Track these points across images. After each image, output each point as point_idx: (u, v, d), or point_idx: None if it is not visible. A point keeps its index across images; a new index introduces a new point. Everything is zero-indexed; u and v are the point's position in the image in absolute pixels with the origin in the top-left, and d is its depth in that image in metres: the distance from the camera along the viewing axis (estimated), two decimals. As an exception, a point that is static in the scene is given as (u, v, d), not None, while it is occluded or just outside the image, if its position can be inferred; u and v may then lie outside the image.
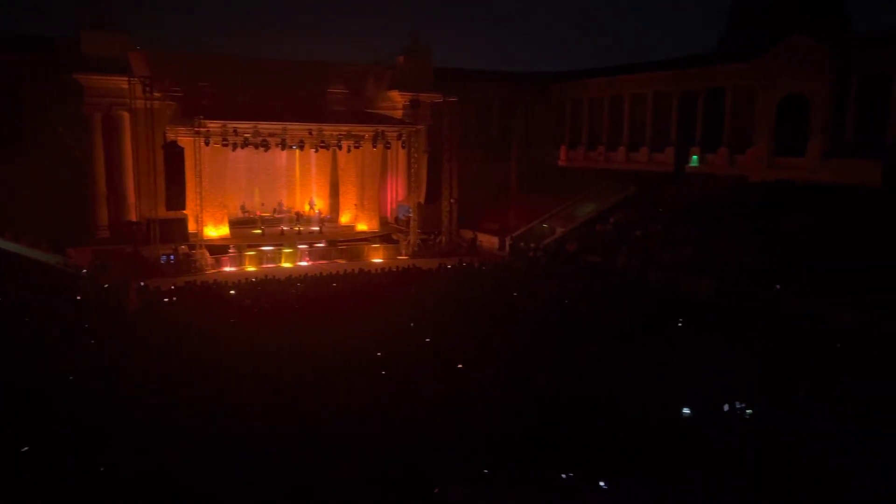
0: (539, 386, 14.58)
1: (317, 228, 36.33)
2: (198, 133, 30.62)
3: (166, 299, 23.44)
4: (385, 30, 78.95)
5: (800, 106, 31.23)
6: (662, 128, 38.63)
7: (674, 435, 12.42)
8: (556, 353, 16.92)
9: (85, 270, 27.10)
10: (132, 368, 15.14)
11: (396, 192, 39.35)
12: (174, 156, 30.14)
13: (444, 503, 10.04)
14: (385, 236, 36.78)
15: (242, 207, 36.80)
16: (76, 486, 10.26)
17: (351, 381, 14.50)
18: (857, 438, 12.09)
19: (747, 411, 13.90)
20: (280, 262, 32.07)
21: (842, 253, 23.69)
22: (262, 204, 37.45)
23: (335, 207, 38.91)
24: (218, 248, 31.93)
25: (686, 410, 13.71)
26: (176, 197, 30.25)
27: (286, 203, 38.25)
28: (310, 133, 32.77)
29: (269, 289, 25.27)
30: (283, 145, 32.50)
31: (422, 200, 36.03)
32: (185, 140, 31.31)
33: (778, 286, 24.39)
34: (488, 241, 37.95)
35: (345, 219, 38.18)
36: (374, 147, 34.84)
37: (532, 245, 35.22)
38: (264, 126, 31.69)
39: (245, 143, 31.56)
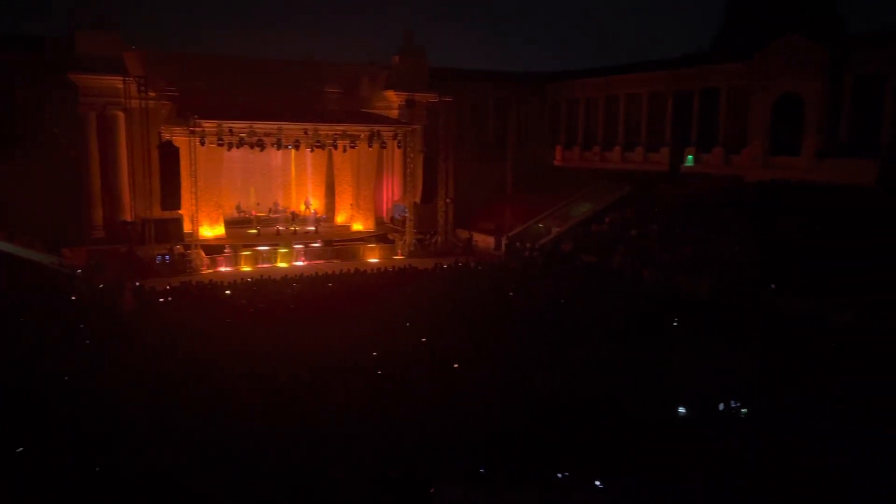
0: (536, 386, 14.58)
1: (312, 228, 36.32)
2: (193, 133, 30.54)
3: (161, 299, 23.38)
4: (382, 30, 79.05)
5: (795, 106, 31.29)
6: (658, 127, 38.67)
7: (673, 435, 12.44)
8: (552, 352, 16.93)
9: (80, 270, 27.01)
10: (128, 368, 15.09)
11: (392, 191, 39.33)
12: (169, 155, 30.06)
13: (441, 502, 10.02)
14: (381, 236, 36.76)
15: (238, 207, 36.75)
16: (74, 486, 10.22)
17: (348, 381, 14.49)
18: (857, 438, 12.09)
19: (742, 410, 13.94)
20: (276, 262, 32.02)
21: (838, 252, 23.77)
22: (258, 204, 37.42)
23: (331, 207, 38.89)
24: (213, 248, 31.85)
25: (682, 409, 13.74)
26: (171, 197, 30.17)
27: (282, 203, 38.21)
28: (305, 133, 32.71)
29: (265, 289, 25.22)
30: (279, 145, 32.42)
31: (418, 200, 36.03)
32: (180, 140, 31.24)
33: (773, 286, 24.46)
34: (484, 240, 37.98)
35: (340, 219, 38.16)
36: (370, 147, 34.81)
37: (528, 245, 35.24)
38: (260, 126, 31.61)
39: (240, 143, 31.46)
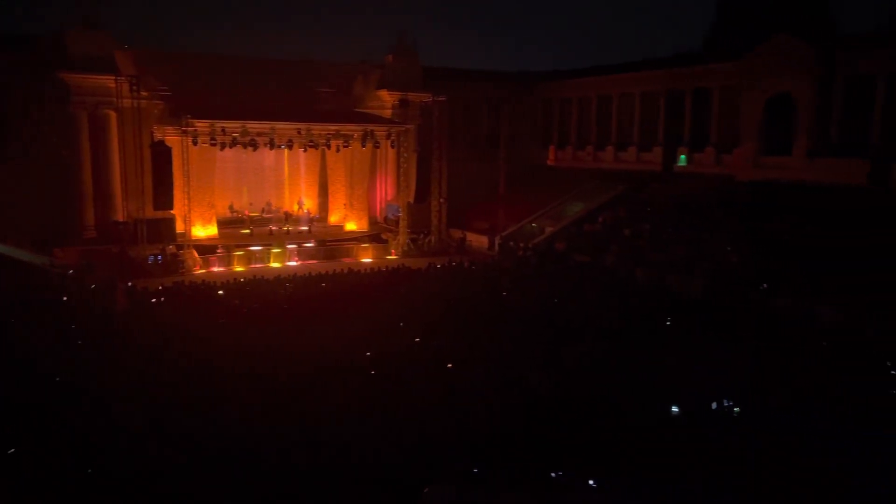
0: (531, 386, 14.59)
1: (306, 228, 36.24)
2: (185, 132, 30.43)
3: (154, 300, 23.29)
4: (376, 29, 79.06)
5: (787, 106, 31.43)
6: (650, 127, 38.76)
7: (670, 434, 12.45)
8: (546, 352, 16.94)
9: (72, 271, 26.90)
10: (121, 369, 15.03)
11: (385, 191, 39.31)
12: (161, 155, 29.96)
13: (434, 503, 10.02)
14: (374, 236, 36.74)
15: (231, 207, 36.64)
16: (73, 486, 10.19)
17: (341, 381, 14.46)
18: (857, 438, 12.11)
19: (735, 409, 13.98)
20: (269, 262, 31.95)
21: (830, 252, 23.86)
22: (251, 203, 37.30)
23: (324, 207, 38.82)
24: (206, 248, 31.76)
25: (675, 409, 13.77)
26: (163, 196, 30.07)
27: (275, 203, 38.11)
28: (298, 132, 32.65)
29: (258, 289, 25.16)
30: (272, 145, 32.34)
31: (411, 200, 36.01)
32: (172, 139, 31.12)
33: (765, 285, 24.57)
34: (477, 240, 38.00)
35: (334, 218, 38.10)
36: (363, 146, 34.77)
37: (521, 244, 35.28)
38: (252, 125, 31.54)
39: (233, 143, 31.39)
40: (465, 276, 28.44)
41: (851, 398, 13.72)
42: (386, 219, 38.66)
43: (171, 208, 31.02)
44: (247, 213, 36.63)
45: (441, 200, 37.02)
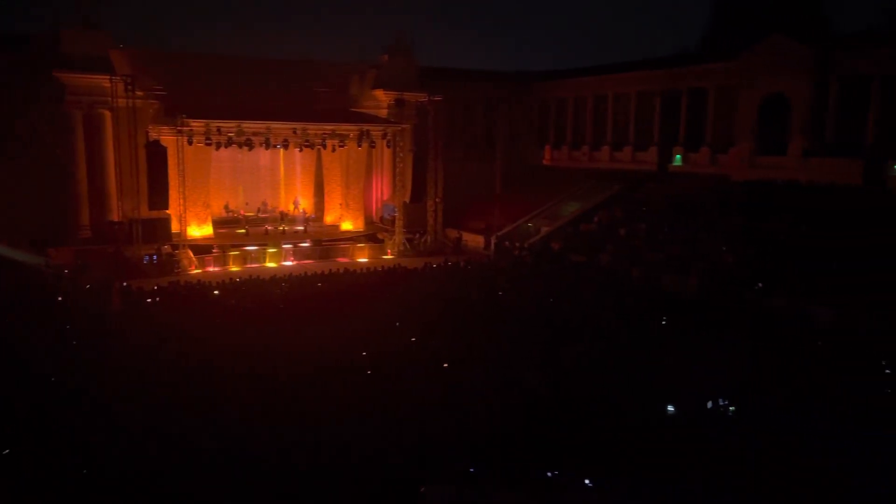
0: (530, 385, 14.60)
1: (301, 228, 36.18)
2: (181, 132, 30.35)
3: (149, 300, 23.22)
4: (372, 29, 79.00)
5: (781, 106, 31.54)
6: (646, 127, 38.85)
7: (670, 434, 12.47)
8: (544, 352, 16.96)
9: (67, 271, 26.79)
10: (116, 369, 14.99)
11: (381, 191, 39.29)
12: (157, 155, 29.85)
13: (431, 502, 10.03)
14: (370, 236, 36.69)
15: (226, 207, 36.55)
16: (73, 487, 10.17)
17: (341, 381, 14.45)
18: (855, 438, 12.15)
19: (730, 408, 14.03)
20: (264, 261, 31.89)
21: (824, 252, 23.97)
22: (247, 203, 37.22)
23: (320, 207, 38.74)
24: (201, 248, 31.67)
25: (670, 408, 13.81)
26: (159, 196, 29.96)
27: (270, 202, 38.02)
28: (294, 132, 32.58)
29: (254, 289, 25.11)
30: (268, 144, 32.26)
31: (407, 200, 36.01)
32: (167, 139, 31.01)
33: (760, 284, 24.66)
34: (473, 240, 38.01)
35: (330, 218, 38.03)
36: (359, 146, 34.73)
37: (517, 244, 35.31)
38: (248, 125, 31.44)
39: (229, 143, 31.27)
40: (461, 275, 28.44)
41: (848, 398, 13.77)
42: (382, 219, 38.63)
43: (167, 208, 30.90)
44: (242, 212, 36.54)
45: (437, 200, 37.02)
